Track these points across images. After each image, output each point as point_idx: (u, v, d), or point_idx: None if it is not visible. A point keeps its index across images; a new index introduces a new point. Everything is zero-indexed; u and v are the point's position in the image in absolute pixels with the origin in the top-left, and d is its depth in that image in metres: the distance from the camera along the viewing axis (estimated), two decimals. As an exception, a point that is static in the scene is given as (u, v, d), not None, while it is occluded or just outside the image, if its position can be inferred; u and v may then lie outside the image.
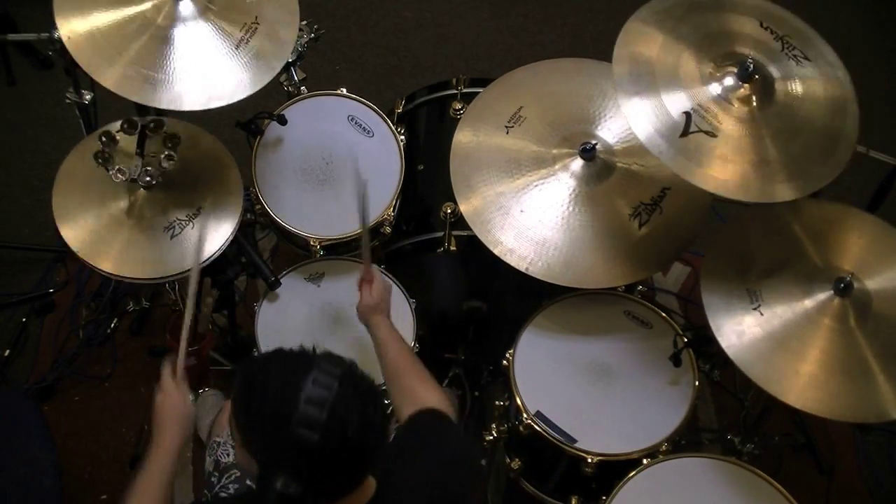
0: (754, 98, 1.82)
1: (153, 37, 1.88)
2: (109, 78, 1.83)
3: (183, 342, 1.72)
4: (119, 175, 1.97)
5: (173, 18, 1.90)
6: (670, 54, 1.86)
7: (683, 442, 2.03)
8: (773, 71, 1.86)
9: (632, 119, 1.80)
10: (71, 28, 1.84)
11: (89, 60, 1.83)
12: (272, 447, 1.28)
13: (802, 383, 1.76)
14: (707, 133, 1.78)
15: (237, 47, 1.92)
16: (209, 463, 1.86)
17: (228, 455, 1.83)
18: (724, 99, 1.81)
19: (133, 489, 1.57)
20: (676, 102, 1.81)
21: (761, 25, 1.91)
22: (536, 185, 2.06)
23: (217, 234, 2.05)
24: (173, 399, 1.67)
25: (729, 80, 1.83)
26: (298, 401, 1.24)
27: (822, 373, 1.77)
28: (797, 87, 1.86)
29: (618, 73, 1.84)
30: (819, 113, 1.84)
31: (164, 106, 1.87)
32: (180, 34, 1.89)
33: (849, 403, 1.75)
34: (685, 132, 1.78)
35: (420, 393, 1.66)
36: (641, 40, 1.88)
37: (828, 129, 1.82)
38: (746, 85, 1.82)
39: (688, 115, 1.80)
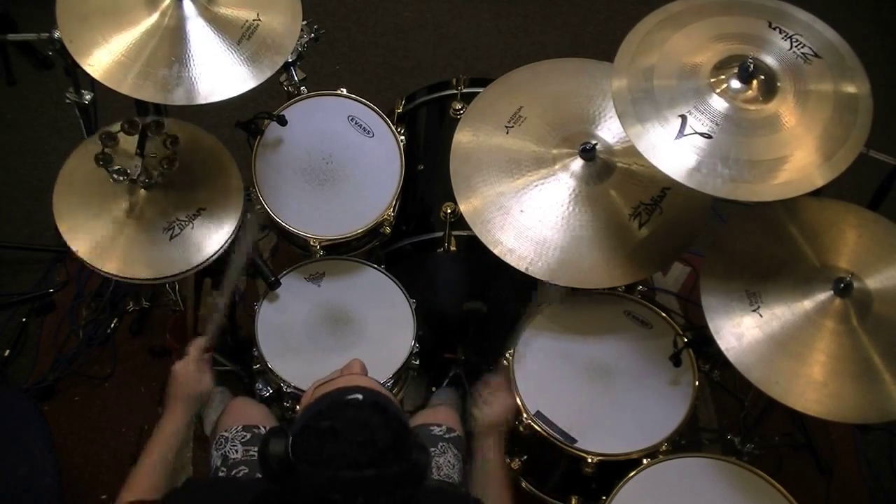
0: (760, 98, 1.82)
1: (161, 38, 1.89)
2: (125, 84, 1.84)
3: (213, 323, 1.79)
4: (118, 175, 1.97)
5: (178, 18, 1.91)
6: (674, 62, 1.87)
7: (683, 442, 2.03)
8: (778, 70, 1.86)
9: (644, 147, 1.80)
10: (98, 62, 1.84)
11: (119, 81, 1.84)
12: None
13: (803, 385, 1.76)
14: (702, 135, 1.78)
15: (239, 43, 1.93)
16: (216, 458, 1.86)
17: (237, 451, 1.84)
18: (731, 103, 1.81)
19: (144, 452, 1.62)
20: (678, 113, 1.81)
21: (770, 26, 1.91)
22: (536, 185, 2.06)
23: (218, 234, 2.05)
24: (192, 371, 1.71)
25: (734, 83, 1.82)
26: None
27: (823, 374, 1.76)
28: (802, 85, 1.85)
29: (617, 91, 1.85)
30: (826, 109, 1.83)
31: (169, 103, 1.87)
32: (185, 34, 1.90)
33: (852, 404, 1.75)
34: (680, 133, 1.78)
35: None
36: (643, 51, 1.89)
37: (834, 126, 1.81)
38: (753, 84, 1.82)
39: (683, 117, 1.80)
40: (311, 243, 2.24)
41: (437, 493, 1.72)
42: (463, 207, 2.08)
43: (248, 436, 1.86)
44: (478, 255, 2.06)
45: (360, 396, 1.29)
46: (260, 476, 1.75)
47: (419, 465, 1.28)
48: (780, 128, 1.80)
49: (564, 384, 2.04)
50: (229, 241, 2.05)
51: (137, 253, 2.01)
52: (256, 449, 1.81)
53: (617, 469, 1.92)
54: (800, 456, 2.52)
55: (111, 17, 1.88)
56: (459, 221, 2.17)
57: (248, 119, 2.22)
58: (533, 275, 1.99)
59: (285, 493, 1.30)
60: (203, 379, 1.72)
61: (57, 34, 1.95)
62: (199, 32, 1.91)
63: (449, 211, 2.23)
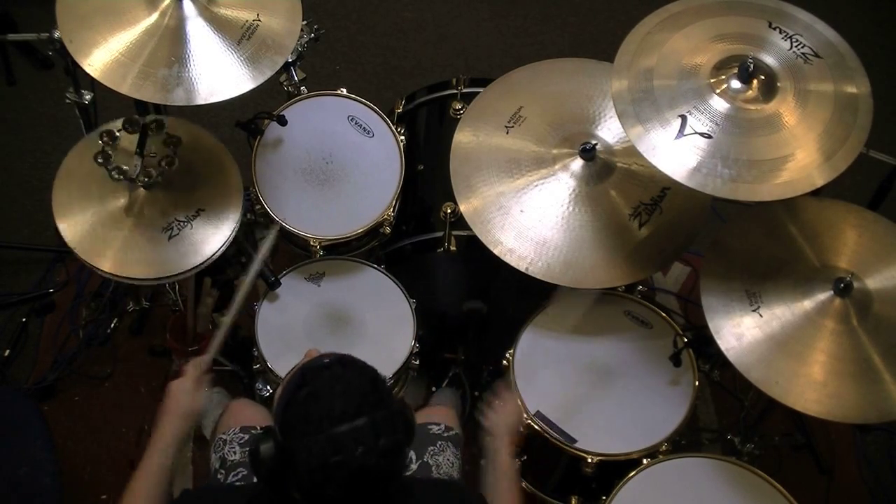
0: (760, 98, 1.82)
1: (161, 38, 1.89)
2: (125, 84, 1.84)
3: (216, 341, 1.79)
4: (118, 174, 1.97)
5: (178, 18, 1.91)
6: (674, 62, 1.87)
7: (683, 442, 2.03)
8: (778, 70, 1.86)
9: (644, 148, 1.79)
10: (98, 62, 1.85)
11: (119, 81, 1.84)
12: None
13: (803, 385, 1.76)
14: (702, 135, 1.78)
15: (239, 43, 1.93)
16: (215, 460, 1.86)
17: (235, 453, 1.84)
18: (731, 103, 1.81)
19: (133, 479, 1.59)
20: (678, 113, 1.81)
21: (770, 26, 1.91)
22: (536, 185, 2.06)
23: (217, 235, 2.05)
24: (187, 389, 1.70)
25: (734, 83, 1.82)
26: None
27: (824, 374, 1.76)
28: (802, 85, 1.85)
29: (617, 92, 1.85)
30: (826, 109, 1.83)
31: (169, 103, 1.88)
32: (185, 34, 1.90)
33: (852, 404, 1.75)
34: (680, 133, 1.78)
35: None
36: (643, 52, 1.89)
37: (834, 126, 1.81)
38: (754, 84, 1.82)
39: (683, 117, 1.80)
40: (311, 243, 2.24)
41: (437, 485, 1.72)
42: (463, 207, 2.08)
43: (246, 437, 1.86)
44: (478, 256, 2.06)
45: (325, 360, 1.35)
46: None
47: (405, 409, 1.34)
48: (780, 128, 1.80)
49: (564, 384, 2.04)
50: (228, 242, 2.04)
51: (136, 253, 2.00)
52: None
53: (617, 469, 1.92)
54: (800, 456, 2.52)
55: (111, 17, 1.88)
56: (459, 221, 2.17)
57: (248, 119, 2.22)
58: (533, 275, 1.99)
59: (285, 483, 1.31)
60: (196, 397, 1.70)
61: (57, 34, 1.96)
62: (198, 32, 1.91)
63: (449, 211, 2.23)
